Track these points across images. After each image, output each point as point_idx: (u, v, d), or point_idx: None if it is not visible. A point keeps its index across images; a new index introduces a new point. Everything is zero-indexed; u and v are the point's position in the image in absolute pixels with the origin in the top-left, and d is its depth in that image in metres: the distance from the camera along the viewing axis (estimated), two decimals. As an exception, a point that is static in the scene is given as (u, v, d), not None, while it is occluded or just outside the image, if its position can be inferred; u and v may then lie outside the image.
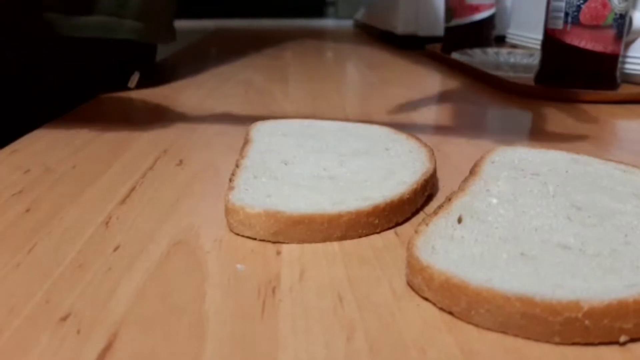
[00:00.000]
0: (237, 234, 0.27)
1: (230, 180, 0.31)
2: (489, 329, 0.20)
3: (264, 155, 0.35)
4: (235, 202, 0.27)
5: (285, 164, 0.34)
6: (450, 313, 0.21)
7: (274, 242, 0.27)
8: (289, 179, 0.31)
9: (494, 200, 0.28)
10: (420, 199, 0.31)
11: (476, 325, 0.20)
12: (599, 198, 0.28)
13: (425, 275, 0.22)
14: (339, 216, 0.27)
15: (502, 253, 0.23)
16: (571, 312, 0.19)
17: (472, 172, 0.32)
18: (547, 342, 0.19)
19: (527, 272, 0.22)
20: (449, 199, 0.28)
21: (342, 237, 0.27)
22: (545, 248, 0.24)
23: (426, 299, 0.22)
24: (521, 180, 0.30)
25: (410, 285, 0.23)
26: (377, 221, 0.28)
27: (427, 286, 0.22)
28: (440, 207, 0.27)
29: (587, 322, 0.19)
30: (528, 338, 0.20)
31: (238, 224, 0.27)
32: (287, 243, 0.27)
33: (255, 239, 0.27)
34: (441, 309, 0.21)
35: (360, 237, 0.27)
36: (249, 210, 0.27)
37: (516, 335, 0.20)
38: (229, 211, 0.27)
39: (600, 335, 0.19)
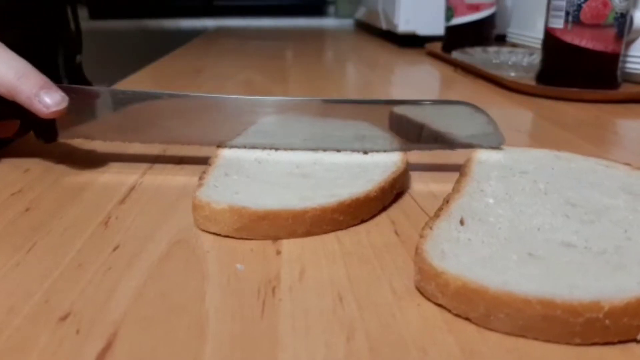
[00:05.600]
0: (203, 230, 0.28)
1: (201, 177, 0.31)
2: (507, 333, 0.20)
3: (238, 153, 0.35)
4: (201, 198, 0.28)
5: (259, 162, 0.34)
6: (467, 319, 0.21)
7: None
8: (260, 177, 0.32)
9: (491, 200, 0.28)
10: (389, 197, 0.31)
11: (495, 330, 0.20)
12: (590, 194, 0.29)
13: (440, 281, 0.21)
14: (303, 212, 0.27)
15: (511, 254, 0.23)
16: (592, 312, 0.19)
17: (462, 172, 0.32)
18: (567, 343, 0.19)
19: (540, 273, 0.21)
20: (446, 201, 0.28)
21: (307, 233, 0.27)
22: (550, 247, 0.24)
23: (440, 305, 0.21)
24: (511, 179, 0.31)
25: (421, 291, 0.22)
26: (342, 217, 0.28)
27: (441, 292, 0.21)
28: (439, 209, 0.27)
29: (607, 321, 0.19)
30: (548, 340, 0.19)
31: (204, 220, 0.27)
32: (253, 239, 0.27)
33: (219, 234, 0.27)
34: (457, 315, 0.21)
35: (325, 233, 0.28)
36: (214, 206, 0.27)
37: (536, 339, 0.20)
38: (195, 207, 0.28)
39: (618, 333, 0.19)
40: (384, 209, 0.31)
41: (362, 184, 0.30)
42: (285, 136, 0.36)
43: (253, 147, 0.36)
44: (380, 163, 0.33)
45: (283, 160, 0.34)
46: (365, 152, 0.35)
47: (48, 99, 0.33)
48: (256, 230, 0.27)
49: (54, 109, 0.33)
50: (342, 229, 0.28)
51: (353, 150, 0.35)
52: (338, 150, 0.35)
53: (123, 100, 0.36)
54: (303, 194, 0.29)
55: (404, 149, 0.35)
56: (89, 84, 0.74)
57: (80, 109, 0.35)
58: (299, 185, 0.30)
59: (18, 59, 0.34)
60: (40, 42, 0.61)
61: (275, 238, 0.27)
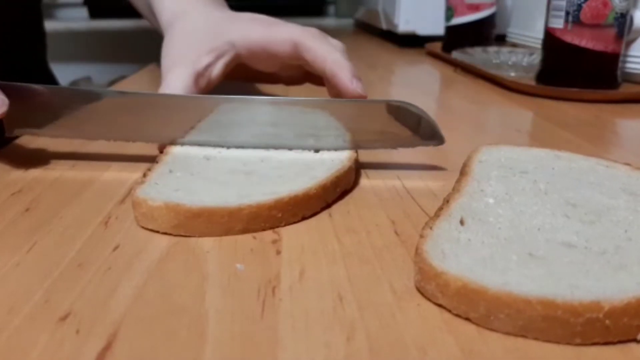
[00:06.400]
0: (143, 227, 0.28)
1: (144, 175, 0.31)
2: (507, 333, 0.20)
3: (188, 150, 0.35)
4: (139, 195, 0.28)
5: (207, 159, 0.34)
6: (467, 319, 0.21)
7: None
8: (204, 174, 0.32)
9: (491, 200, 0.28)
10: (331, 195, 0.31)
11: (495, 330, 0.20)
12: (590, 194, 0.29)
13: (440, 281, 0.21)
14: (239, 209, 0.27)
15: (511, 255, 0.23)
16: (592, 312, 0.19)
17: (463, 172, 0.32)
18: (568, 343, 0.19)
19: (541, 273, 0.21)
20: (446, 201, 0.28)
21: (245, 230, 0.27)
22: (551, 247, 0.24)
23: (440, 305, 0.21)
24: (512, 179, 0.31)
25: (421, 291, 0.22)
26: (280, 214, 0.28)
27: (441, 292, 0.21)
28: (439, 209, 0.27)
29: (607, 321, 0.19)
30: (548, 341, 0.19)
31: (143, 217, 0.28)
32: (191, 236, 0.27)
33: (158, 231, 0.27)
34: (457, 315, 0.21)
35: (263, 230, 0.28)
36: (151, 203, 0.27)
37: (536, 339, 0.20)
38: (134, 204, 0.28)
39: (619, 333, 0.19)
40: (328, 205, 0.31)
41: (303, 182, 0.30)
42: (235, 133, 0.35)
43: (202, 144, 0.36)
44: (327, 161, 0.33)
45: (231, 158, 0.34)
46: (317, 151, 0.35)
47: None
48: (193, 228, 0.27)
49: None
50: (281, 226, 0.28)
51: (303, 149, 0.35)
52: (289, 149, 0.35)
53: (70, 98, 0.35)
54: (242, 191, 0.29)
55: (352, 147, 0.35)
56: (56, 82, 0.75)
57: (26, 106, 0.35)
58: (240, 182, 0.31)
59: None
60: (13, 43, 0.61)
61: (212, 236, 0.27)
